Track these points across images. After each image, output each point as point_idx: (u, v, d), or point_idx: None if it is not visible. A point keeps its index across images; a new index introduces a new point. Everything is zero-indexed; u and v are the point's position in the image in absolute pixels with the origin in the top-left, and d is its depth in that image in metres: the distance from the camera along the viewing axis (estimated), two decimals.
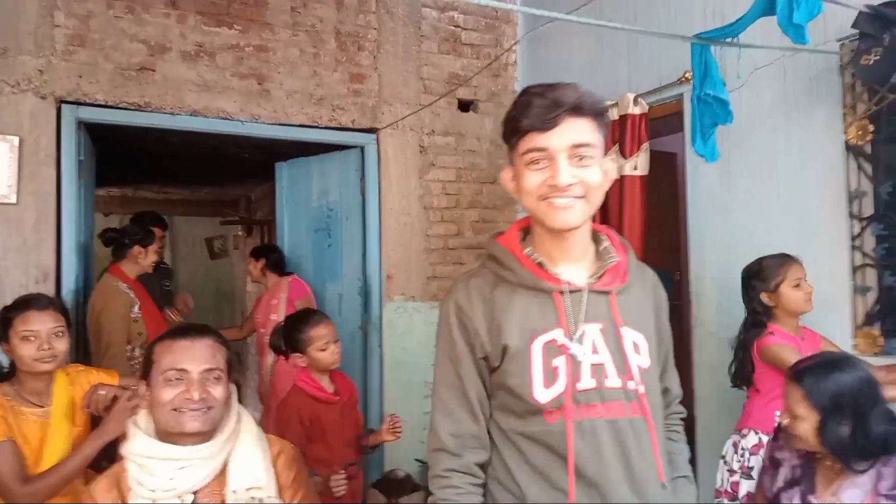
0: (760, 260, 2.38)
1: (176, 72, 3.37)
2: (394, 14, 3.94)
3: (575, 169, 1.12)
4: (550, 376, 1.14)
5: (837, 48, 2.52)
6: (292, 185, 4.24)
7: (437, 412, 1.23)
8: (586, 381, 1.15)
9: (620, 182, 3.36)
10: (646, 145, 3.31)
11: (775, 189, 2.79)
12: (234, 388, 1.51)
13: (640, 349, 1.20)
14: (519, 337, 1.16)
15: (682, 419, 1.39)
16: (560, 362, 1.15)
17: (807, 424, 1.58)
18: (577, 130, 1.12)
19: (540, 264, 1.20)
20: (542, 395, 1.14)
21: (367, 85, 3.85)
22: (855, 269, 2.53)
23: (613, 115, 3.43)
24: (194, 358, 1.40)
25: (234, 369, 1.53)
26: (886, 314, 2.40)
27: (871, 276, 2.52)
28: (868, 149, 2.50)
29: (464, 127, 4.16)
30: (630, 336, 1.19)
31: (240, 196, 7.67)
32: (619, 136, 3.39)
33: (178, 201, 8.01)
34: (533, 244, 1.23)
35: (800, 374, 1.62)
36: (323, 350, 2.36)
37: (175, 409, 1.36)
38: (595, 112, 1.15)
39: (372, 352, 3.90)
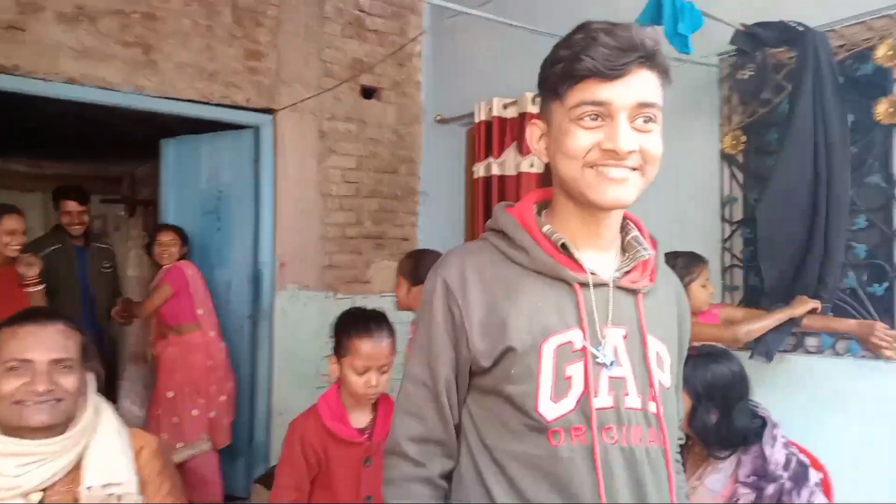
0: (674, 255, 2.33)
1: (51, 34, 3.08)
2: None
3: (637, 134, 0.92)
4: (561, 388, 0.92)
5: (717, 62, 2.69)
6: (180, 164, 4.01)
7: (401, 410, 1.01)
8: (603, 398, 0.93)
9: (517, 178, 3.44)
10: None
11: (654, 191, 2.93)
12: (91, 377, 1.40)
13: (664, 364, 1.00)
14: (528, 335, 0.93)
15: (680, 446, 1.19)
16: (575, 371, 0.93)
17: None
18: (648, 86, 0.91)
19: (563, 247, 0.97)
20: (549, 410, 0.91)
21: (265, 63, 3.70)
22: (724, 270, 2.73)
23: (513, 112, 3.50)
24: (41, 345, 1.28)
25: (91, 357, 1.41)
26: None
27: (738, 276, 2.72)
28: (740, 158, 2.70)
29: (366, 114, 4.10)
30: (655, 346, 0.99)
31: (122, 174, 7.18)
32: (517, 133, 3.47)
33: (53, 176, 7.35)
34: (552, 222, 1.00)
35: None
36: (359, 374, 1.79)
37: (17, 402, 1.25)
38: (666, 69, 0.94)
39: (261, 342, 3.77)
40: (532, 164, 3.39)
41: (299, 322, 3.84)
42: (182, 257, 3.59)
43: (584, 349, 0.93)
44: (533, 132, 1.02)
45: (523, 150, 3.41)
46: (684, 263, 2.43)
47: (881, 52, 2.30)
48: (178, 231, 3.62)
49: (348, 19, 4.01)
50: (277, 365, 3.77)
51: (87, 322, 3.53)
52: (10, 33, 2.99)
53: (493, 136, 3.57)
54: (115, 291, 3.96)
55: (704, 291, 2.39)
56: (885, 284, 2.32)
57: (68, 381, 1.29)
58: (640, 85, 0.90)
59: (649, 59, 0.90)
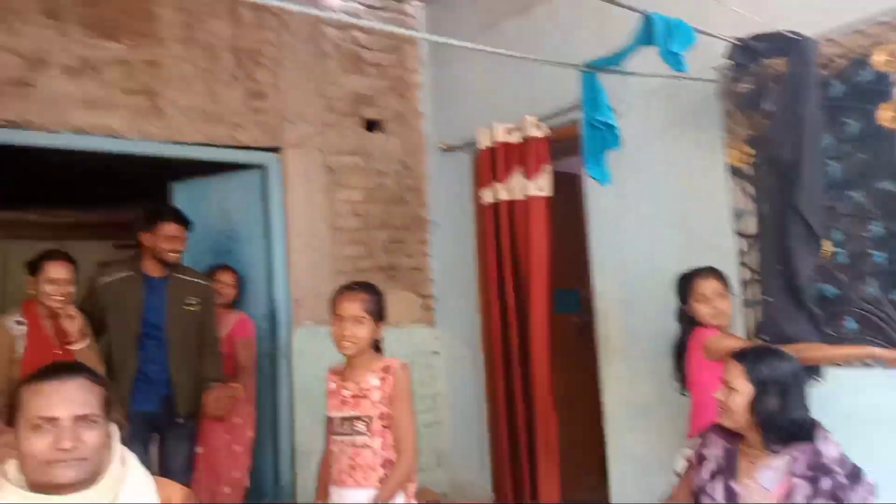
0: (681, 275, 2.43)
1: (58, 87, 3.14)
2: (293, 31, 3.85)
3: None
4: None
5: (715, 76, 2.68)
6: (190, 206, 3.99)
7: None
8: None
9: (526, 203, 3.43)
10: (548, 167, 3.40)
11: (664, 208, 2.93)
12: (115, 428, 1.40)
13: None
14: None
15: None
16: None
17: (741, 398, 1.73)
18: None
19: None
20: None
21: (268, 103, 3.74)
22: (744, 284, 2.68)
23: (517, 137, 3.50)
24: (64, 402, 1.28)
25: (114, 409, 1.41)
26: (769, 325, 2.53)
27: (758, 291, 2.67)
28: (749, 170, 2.67)
29: (370, 146, 4.12)
30: None
31: (135, 218, 7.26)
32: (522, 157, 3.47)
33: (68, 224, 7.47)
34: None
35: (742, 353, 1.80)
36: None
37: (46, 462, 1.25)
38: None
39: (281, 381, 3.75)
40: (539, 188, 3.38)
41: (318, 359, 3.79)
42: (234, 302, 3.50)
43: None
44: None
45: (529, 173, 3.40)
46: (679, 282, 2.43)
47: (879, 58, 2.28)
48: (235, 272, 3.53)
49: (347, 55, 4.05)
50: (298, 404, 3.74)
51: (157, 371, 2.97)
52: (20, 89, 3.05)
53: (497, 161, 3.57)
54: (201, 336, 3.13)
55: (702, 307, 2.34)
56: None
57: (91, 437, 1.29)
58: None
59: None
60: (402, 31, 2.43)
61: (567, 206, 4.15)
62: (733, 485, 1.74)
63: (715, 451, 1.84)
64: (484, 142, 3.65)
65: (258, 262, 3.79)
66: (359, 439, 2.02)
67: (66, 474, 1.25)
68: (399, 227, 4.23)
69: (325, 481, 2.13)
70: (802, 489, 1.63)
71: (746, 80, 2.23)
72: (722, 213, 2.72)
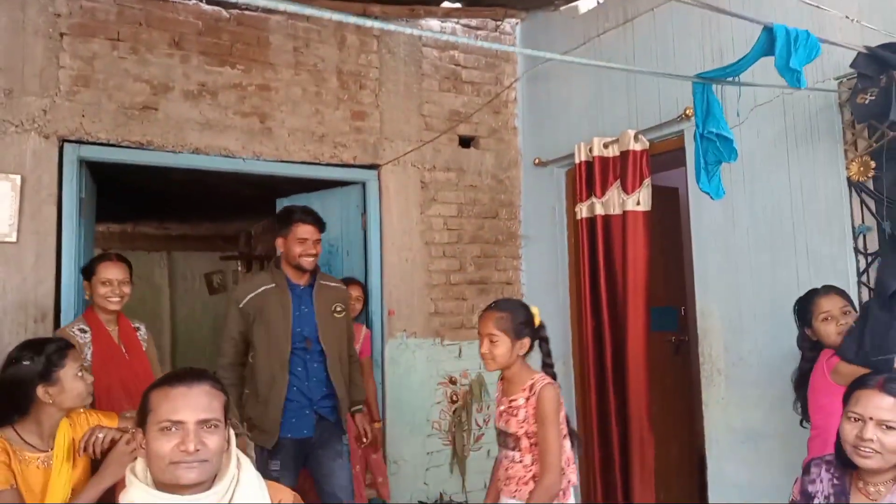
0: (799, 299, 2.35)
1: (178, 111, 3.39)
2: (395, 54, 4.00)
3: None
4: None
5: (836, 86, 2.55)
6: None
7: None
8: None
9: (623, 217, 3.37)
10: (647, 181, 3.33)
11: (779, 225, 2.80)
12: (231, 432, 1.48)
13: None
14: None
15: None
16: None
17: None
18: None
19: None
20: None
21: (369, 122, 3.88)
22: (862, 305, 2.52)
23: (614, 150, 3.46)
24: (190, 407, 1.37)
25: (232, 414, 1.50)
26: (874, 343, 2.35)
27: None
28: (870, 185, 2.51)
29: (465, 162, 4.18)
30: None
31: (239, 231, 7.68)
32: (620, 171, 3.41)
33: (177, 236, 8.01)
34: None
35: (885, 382, 1.62)
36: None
37: (172, 462, 1.33)
38: None
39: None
40: (638, 202, 3.32)
41: (409, 370, 3.90)
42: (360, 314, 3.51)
43: None
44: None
45: (628, 188, 3.35)
46: (799, 306, 2.33)
47: None
48: (363, 285, 3.56)
49: (445, 74, 4.15)
50: (390, 413, 3.82)
51: (312, 388, 2.80)
52: (145, 113, 3.32)
53: (594, 175, 3.53)
54: (347, 347, 3.02)
55: (828, 325, 2.22)
56: None
57: (213, 441, 1.37)
58: None
59: None
60: (497, 46, 2.45)
61: (667, 220, 4.05)
62: None
63: (821, 486, 1.72)
64: (580, 156, 3.62)
65: (356, 274, 3.92)
66: (510, 454, 2.12)
67: (188, 475, 1.33)
68: (491, 241, 4.26)
69: (495, 485, 2.24)
70: None
71: (871, 91, 2.10)
72: (840, 229, 2.58)
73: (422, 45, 4.07)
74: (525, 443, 2.07)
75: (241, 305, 2.78)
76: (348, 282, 3.46)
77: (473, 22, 4.26)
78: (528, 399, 2.08)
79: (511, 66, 4.41)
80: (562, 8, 3.96)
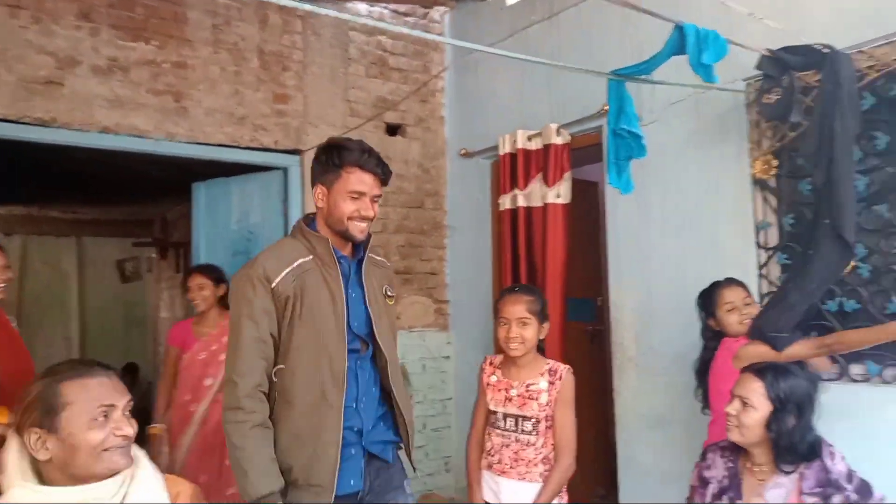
0: (702, 291, 2.45)
1: (86, 87, 3.19)
2: (320, 36, 3.90)
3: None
4: None
5: (744, 87, 2.67)
6: (210, 206, 4.08)
7: None
8: None
9: (544, 209, 3.43)
10: (568, 174, 3.40)
11: (688, 219, 2.92)
12: None
13: None
14: None
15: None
16: None
17: (758, 415, 1.71)
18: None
19: None
20: None
21: (292, 106, 3.78)
22: (763, 297, 2.67)
23: (538, 144, 3.51)
24: (117, 392, 1.35)
25: (142, 400, 1.44)
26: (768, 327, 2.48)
27: None
28: (772, 182, 2.66)
29: (391, 150, 4.14)
30: None
31: (154, 216, 7.34)
32: (542, 164, 3.47)
33: (88, 221, 7.57)
34: None
35: (762, 370, 1.78)
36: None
37: (105, 450, 1.30)
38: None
39: None
40: (558, 195, 3.39)
41: None
42: (220, 300, 3.17)
43: None
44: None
45: (549, 180, 3.41)
46: (703, 297, 2.43)
47: None
48: (210, 272, 3.21)
49: (372, 59, 4.09)
50: None
51: (371, 406, 1.88)
52: (49, 88, 3.10)
53: (518, 167, 3.58)
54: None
55: (731, 315, 2.34)
56: None
57: (135, 426, 1.36)
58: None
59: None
60: (427, 35, 2.44)
61: (586, 214, 4.16)
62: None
63: (717, 472, 1.82)
64: (505, 148, 3.66)
65: None
66: (523, 437, 2.12)
67: (121, 461, 1.32)
68: (416, 231, 4.25)
69: (476, 464, 2.22)
70: None
71: (775, 91, 2.22)
72: (744, 224, 2.71)
73: (348, 28, 3.99)
74: (543, 426, 2.10)
75: (273, 285, 1.76)
76: (191, 271, 3.24)
77: (402, 8, 4.22)
78: (552, 383, 2.11)
79: (439, 55, 4.39)
80: None
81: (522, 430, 2.12)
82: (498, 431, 2.16)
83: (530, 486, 2.09)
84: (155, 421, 3.09)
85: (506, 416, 2.15)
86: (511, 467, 2.12)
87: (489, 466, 2.18)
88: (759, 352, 2.19)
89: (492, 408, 2.20)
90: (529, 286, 2.30)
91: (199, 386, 3.06)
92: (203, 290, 3.16)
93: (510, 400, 2.15)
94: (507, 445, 2.14)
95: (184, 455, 3.01)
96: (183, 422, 3.05)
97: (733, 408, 1.75)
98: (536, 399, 2.11)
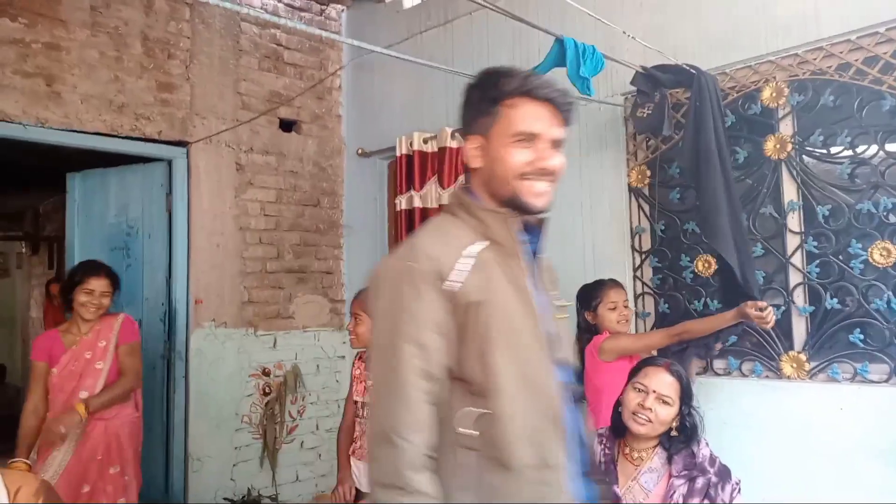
0: (585, 285, 2.58)
1: None
2: (209, 25, 3.75)
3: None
4: None
5: (622, 101, 2.84)
6: (86, 198, 3.82)
7: None
8: None
9: (439, 211, 3.48)
10: (462, 178, 3.46)
11: (570, 223, 3.06)
12: None
13: None
14: None
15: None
16: None
17: (674, 410, 1.80)
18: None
19: None
20: None
21: (178, 95, 3.61)
22: (637, 297, 2.84)
23: (433, 146, 3.55)
24: None
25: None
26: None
27: (649, 303, 2.84)
28: (646, 191, 2.84)
29: (285, 147, 4.05)
30: None
31: (25, 208, 6.78)
32: (438, 167, 3.51)
33: None
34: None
35: (670, 365, 1.86)
36: None
37: None
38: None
39: (176, 383, 3.60)
40: None
41: (217, 361, 3.70)
42: None
43: None
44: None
45: (444, 183, 3.46)
46: (586, 291, 2.56)
47: (766, 93, 2.50)
48: (113, 275, 2.80)
49: (265, 53, 3.98)
50: (193, 407, 3.60)
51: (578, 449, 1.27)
52: None
53: (414, 169, 3.60)
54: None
55: (611, 313, 2.48)
56: (783, 308, 2.48)
57: None
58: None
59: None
60: (323, 32, 2.41)
61: None
62: (616, 489, 1.82)
63: (596, 457, 1.91)
64: (401, 149, 3.68)
65: (157, 259, 3.64)
66: None
67: None
68: (311, 229, 4.18)
69: (345, 452, 2.40)
70: (680, 488, 1.75)
71: (648, 106, 2.38)
72: (622, 229, 2.88)
73: (240, 19, 3.87)
74: None
75: (449, 285, 1.14)
76: (90, 270, 2.75)
77: (297, 2, 4.14)
78: None
79: (336, 53, 4.34)
80: (387, 0, 3.99)
81: None
82: (361, 420, 2.32)
83: None
84: (18, 453, 2.55)
85: (365, 404, 2.30)
86: None
87: (353, 453, 2.36)
88: (622, 344, 2.36)
89: (355, 398, 2.37)
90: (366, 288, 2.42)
91: (74, 402, 2.61)
92: (105, 297, 2.74)
93: (369, 390, 2.30)
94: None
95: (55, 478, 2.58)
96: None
97: (652, 403, 1.79)
98: None
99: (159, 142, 3.56)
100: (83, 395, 2.66)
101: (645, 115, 2.40)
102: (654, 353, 2.38)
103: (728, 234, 2.22)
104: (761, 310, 2.13)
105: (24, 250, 6.69)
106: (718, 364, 2.64)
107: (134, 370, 2.76)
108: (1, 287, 7.35)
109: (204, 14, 3.72)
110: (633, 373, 1.91)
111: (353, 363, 2.48)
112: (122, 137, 3.42)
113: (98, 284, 2.72)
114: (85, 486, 2.65)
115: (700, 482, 1.74)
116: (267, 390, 3.88)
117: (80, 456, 2.64)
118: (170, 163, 3.63)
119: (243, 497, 3.67)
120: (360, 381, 2.38)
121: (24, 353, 6.54)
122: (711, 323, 2.29)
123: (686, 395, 1.82)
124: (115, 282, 2.80)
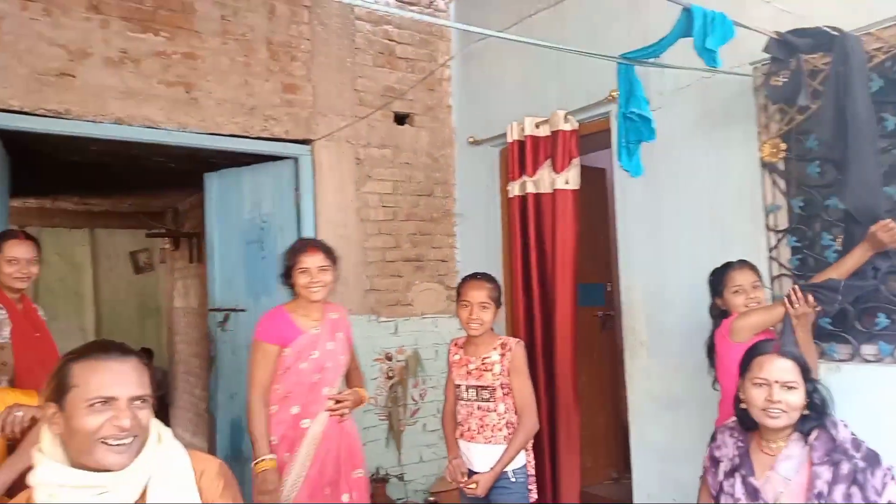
0: (714, 269, 2.52)
1: (98, 78, 3.23)
2: (327, 26, 3.92)
3: None
4: None
5: (751, 71, 2.67)
6: (223, 196, 4.13)
7: None
8: None
9: (553, 196, 3.45)
10: (576, 160, 3.41)
11: (697, 203, 2.93)
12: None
13: None
14: None
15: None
16: None
17: (801, 391, 1.73)
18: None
19: None
20: None
21: (301, 96, 3.81)
22: (773, 279, 2.68)
23: (545, 130, 3.52)
24: (123, 383, 1.30)
25: (158, 388, 1.46)
26: None
27: (787, 285, 2.66)
28: (781, 165, 2.66)
29: (399, 139, 4.17)
30: None
31: (167, 207, 7.39)
32: (551, 151, 3.48)
33: (100, 213, 7.64)
34: None
35: (784, 351, 1.80)
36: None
37: (102, 440, 1.27)
38: None
39: None
40: (567, 181, 3.40)
41: None
42: None
43: None
44: None
45: (558, 167, 3.42)
46: (715, 275, 2.48)
47: None
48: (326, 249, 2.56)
49: (379, 49, 4.11)
50: None
51: None
52: (62, 80, 3.14)
53: (526, 154, 3.59)
54: None
55: (737, 297, 2.37)
56: None
57: (144, 416, 1.32)
58: None
59: None
60: (435, 20, 2.46)
61: (594, 200, 4.17)
62: (752, 481, 1.74)
63: (728, 451, 1.85)
64: (513, 135, 3.67)
65: None
66: (484, 404, 2.41)
67: (117, 459, 1.27)
68: (426, 219, 4.28)
69: (452, 434, 2.53)
70: (824, 475, 1.64)
71: (783, 74, 2.22)
72: (754, 207, 2.72)
73: (354, 18, 4.01)
74: (499, 393, 2.39)
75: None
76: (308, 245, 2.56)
77: None
78: (503, 355, 2.40)
79: (445, 44, 4.40)
80: None
81: (482, 399, 2.41)
82: (463, 402, 2.46)
83: (496, 447, 2.36)
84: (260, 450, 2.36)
85: (468, 387, 2.45)
86: (478, 432, 2.40)
87: (461, 435, 2.47)
88: (752, 321, 2.25)
89: (456, 382, 2.49)
90: (489, 275, 2.50)
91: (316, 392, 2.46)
92: (324, 272, 2.49)
93: (470, 373, 2.45)
94: (472, 414, 2.43)
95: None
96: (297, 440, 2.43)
97: (776, 394, 1.71)
98: (490, 370, 2.40)
99: (286, 140, 3.77)
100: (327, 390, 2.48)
101: (779, 84, 2.25)
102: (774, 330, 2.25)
103: (881, 210, 2.04)
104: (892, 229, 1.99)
105: (167, 246, 7.32)
106: (868, 350, 2.44)
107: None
108: (147, 280, 8.09)
109: (321, 15, 3.89)
110: (745, 368, 1.82)
111: (449, 349, 2.58)
112: (253, 138, 3.66)
113: (313, 261, 2.46)
114: (326, 488, 2.45)
115: (845, 467, 1.63)
116: (390, 374, 4.03)
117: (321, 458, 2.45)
118: (296, 160, 3.84)
119: (372, 475, 3.85)
120: (460, 366, 2.48)
121: (170, 340, 7.17)
122: (844, 265, 2.16)
123: (806, 372, 1.73)
124: (331, 257, 2.53)
